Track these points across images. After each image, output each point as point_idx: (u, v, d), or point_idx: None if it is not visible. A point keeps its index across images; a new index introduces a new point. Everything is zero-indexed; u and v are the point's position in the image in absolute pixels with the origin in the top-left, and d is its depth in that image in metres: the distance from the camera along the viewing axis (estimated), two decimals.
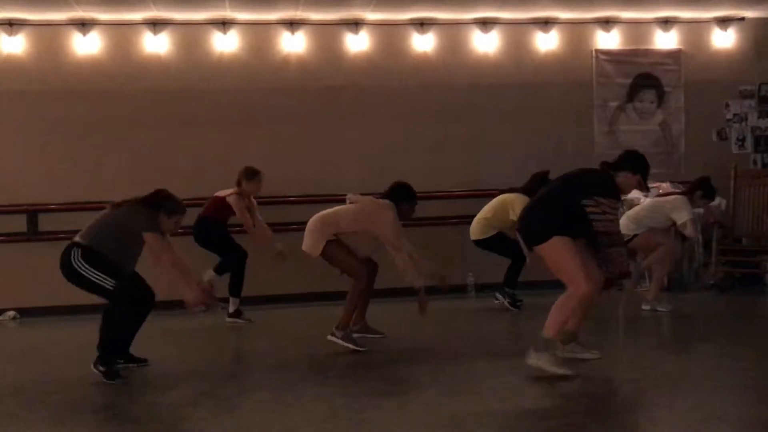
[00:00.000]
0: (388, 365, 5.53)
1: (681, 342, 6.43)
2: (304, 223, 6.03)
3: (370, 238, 6.05)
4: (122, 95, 8.25)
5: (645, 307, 7.29)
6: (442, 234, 8.45)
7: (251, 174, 7.36)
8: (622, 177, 5.18)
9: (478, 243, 7.65)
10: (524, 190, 7.36)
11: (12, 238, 8.13)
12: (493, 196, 7.75)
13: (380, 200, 6.14)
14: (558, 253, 4.93)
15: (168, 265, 5.41)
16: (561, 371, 4.92)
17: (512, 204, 7.36)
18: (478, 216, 7.70)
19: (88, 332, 6.20)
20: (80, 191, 8.03)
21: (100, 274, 5.24)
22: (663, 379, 5.02)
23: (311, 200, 8.06)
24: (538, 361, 4.96)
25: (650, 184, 8.52)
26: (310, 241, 6.02)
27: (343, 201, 6.23)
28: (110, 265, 5.31)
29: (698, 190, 7.28)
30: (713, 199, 7.52)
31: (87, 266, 5.25)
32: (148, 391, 5.12)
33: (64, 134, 8.20)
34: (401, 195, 6.20)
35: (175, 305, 7.83)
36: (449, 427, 4.13)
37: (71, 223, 7.93)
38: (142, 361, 5.67)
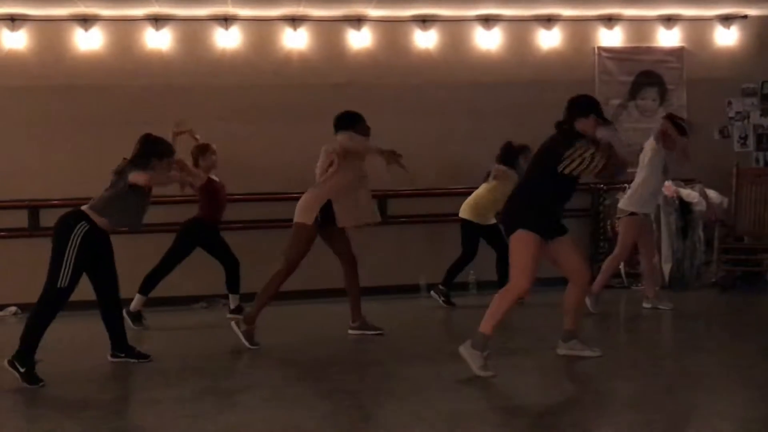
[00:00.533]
0: (389, 362, 5.53)
1: (682, 340, 6.42)
2: None
3: (354, 181, 6.07)
4: (124, 91, 8.24)
5: (646, 305, 7.29)
6: (441, 231, 8.44)
7: (203, 149, 7.25)
8: (580, 125, 5.21)
9: (473, 226, 7.70)
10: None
11: (13, 233, 8.13)
12: None
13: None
14: (517, 246, 5.00)
15: (162, 183, 5.65)
16: (482, 373, 4.93)
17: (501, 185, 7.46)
18: (477, 201, 7.76)
19: (88, 328, 6.22)
20: (81, 187, 7.97)
21: (69, 265, 5.16)
22: (663, 377, 5.02)
23: None
24: (467, 353, 5.00)
25: None
26: (304, 214, 6.09)
27: None
28: (87, 263, 5.28)
29: None
30: (685, 133, 7.20)
31: (74, 246, 5.20)
32: (150, 386, 5.12)
33: (66, 130, 8.19)
34: (347, 123, 6.27)
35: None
36: (450, 424, 4.13)
37: None
38: (144, 357, 5.68)
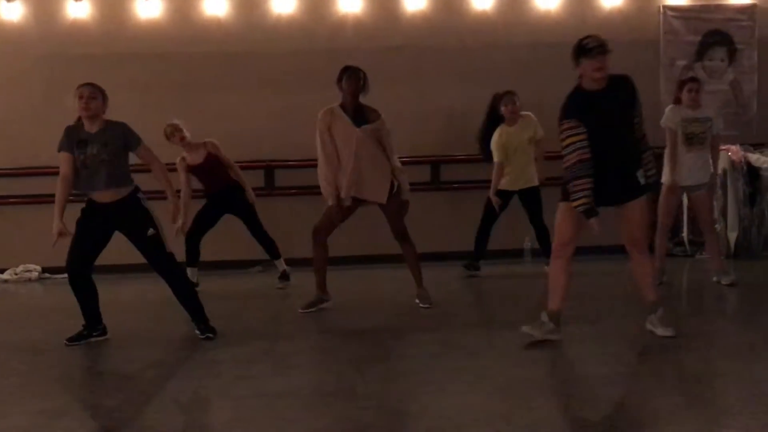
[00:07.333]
0: (441, 329, 5.51)
1: (747, 312, 6.25)
2: None
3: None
4: (183, 58, 8.31)
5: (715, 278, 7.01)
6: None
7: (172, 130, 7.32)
8: (581, 72, 5.07)
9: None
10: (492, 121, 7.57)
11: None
12: (559, 157, 7.57)
13: None
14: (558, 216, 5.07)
15: None
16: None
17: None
18: None
19: (155, 290, 6.32)
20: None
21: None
22: (729, 349, 4.89)
23: None
24: (551, 336, 4.99)
25: (721, 147, 8.21)
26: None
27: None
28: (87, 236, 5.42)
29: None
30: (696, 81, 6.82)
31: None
32: (210, 347, 5.21)
33: (126, 97, 8.25)
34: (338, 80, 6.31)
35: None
36: (502, 393, 4.11)
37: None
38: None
